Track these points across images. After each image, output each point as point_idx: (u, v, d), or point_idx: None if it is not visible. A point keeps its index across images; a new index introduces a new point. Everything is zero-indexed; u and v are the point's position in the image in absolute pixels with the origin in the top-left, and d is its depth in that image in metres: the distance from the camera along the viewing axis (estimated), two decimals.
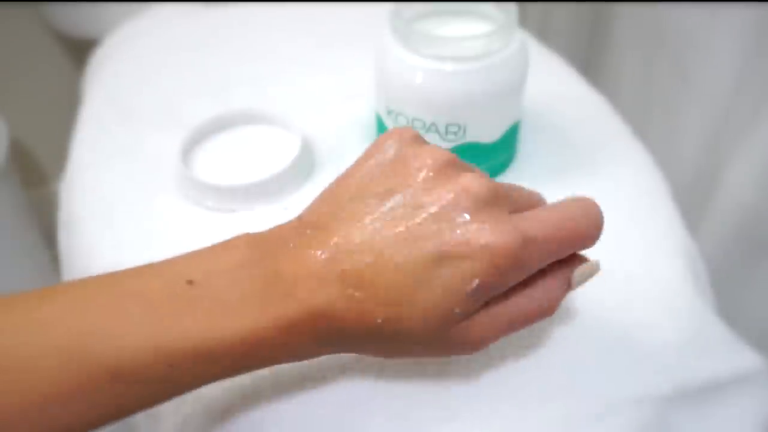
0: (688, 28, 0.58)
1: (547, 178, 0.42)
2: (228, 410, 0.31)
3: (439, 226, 0.26)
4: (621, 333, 0.33)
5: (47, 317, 0.24)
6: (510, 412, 0.31)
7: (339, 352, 0.28)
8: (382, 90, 0.40)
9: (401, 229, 0.26)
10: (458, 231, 0.26)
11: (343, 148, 0.45)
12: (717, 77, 0.56)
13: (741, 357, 0.33)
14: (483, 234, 0.25)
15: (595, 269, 0.30)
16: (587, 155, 0.44)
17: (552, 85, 0.50)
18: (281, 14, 0.60)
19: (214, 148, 0.45)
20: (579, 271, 0.29)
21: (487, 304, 0.27)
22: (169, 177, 0.44)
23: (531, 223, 0.27)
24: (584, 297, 0.34)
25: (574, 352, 0.33)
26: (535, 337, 0.33)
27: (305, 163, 0.43)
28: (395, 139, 0.29)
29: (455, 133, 0.39)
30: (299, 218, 0.28)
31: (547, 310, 0.29)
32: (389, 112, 0.40)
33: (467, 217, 0.26)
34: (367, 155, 0.29)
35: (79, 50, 0.76)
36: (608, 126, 0.47)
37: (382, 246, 0.26)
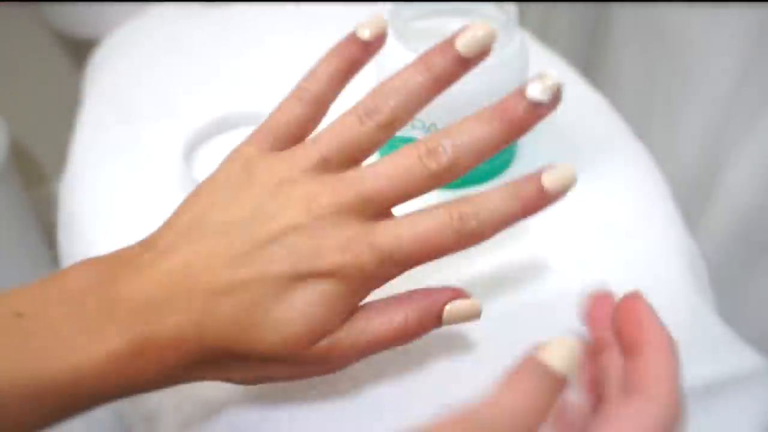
0: (688, 29, 0.58)
1: None
2: (228, 410, 0.31)
3: (289, 242, 0.25)
4: None
5: None
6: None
7: (192, 379, 0.26)
8: None
9: (247, 247, 0.25)
10: (310, 247, 0.25)
11: None
12: (717, 77, 0.56)
13: (741, 357, 0.33)
14: (334, 252, 0.24)
15: (474, 313, 0.28)
16: (587, 155, 0.44)
17: None
18: (281, 14, 0.60)
19: (214, 148, 0.45)
20: (453, 307, 0.27)
21: (345, 321, 0.26)
22: (170, 177, 0.44)
23: (388, 238, 0.25)
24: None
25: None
26: (533, 336, 0.33)
27: None
28: (239, 156, 0.28)
29: None
30: (140, 242, 0.27)
31: (408, 336, 0.27)
32: None
33: (319, 230, 0.25)
34: (211, 177, 0.28)
35: (79, 50, 0.76)
36: (608, 126, 0.47)
37: (229, 265, 0.24)
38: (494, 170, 0.42)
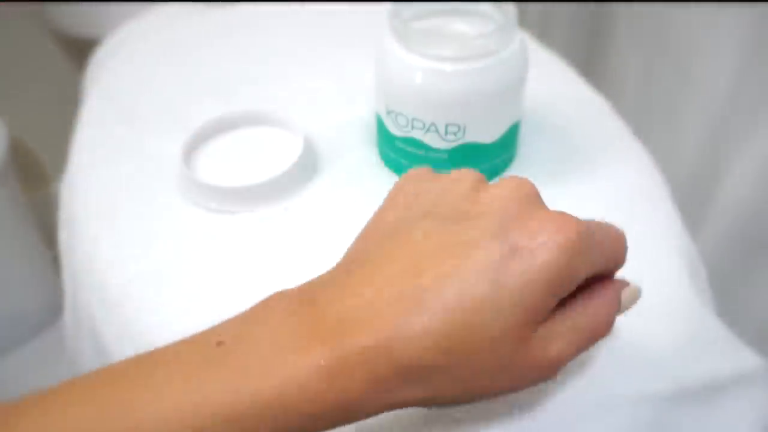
0: (689, 28, 0.58)
1: (546, 179, 0.42)
2: None
3: (496, 227, 0.24)
4: (620, 333, 0.33)
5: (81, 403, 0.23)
6: (509, 412, 0.31)
7: (402, 400, 0.24)
8: (381, 90, 0.40)
9: (449, 236, 0.24)
10: (518, 226, 0.24)
11: (344, 148, 0.45)
12: (717, 77, 0.56)
13: (741, 357, 0.33)
14: (547, 224, 0.24)
15: (637, 295, 0.28)
16: (587, 155, 0.44)
17: (552, 85, 0.50)
18: (282, 14, 0.60)
19: (215, 149, 0.45)
20: (624, 294, 0.27)
21: (553, 314, 0.25)
22: (170, 177, 0.44)
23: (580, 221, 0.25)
24: None
25: None
26: None
27: (307, 164, 0.43)
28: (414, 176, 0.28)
29: (455, 134, 0.39)
30: (338, 264, 0.26)
31: (609, 325, 0.26)
32: (389, 113, 0.40)
33: (522, 211, 0.25)
34: (393, 193, 0.28)
35: (79, 50, 0.76)
36: (608, 126, 0.47)
37: (434, 262, 0.24)
38: (494, 170, 0.42)
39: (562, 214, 0.25)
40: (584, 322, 0.25)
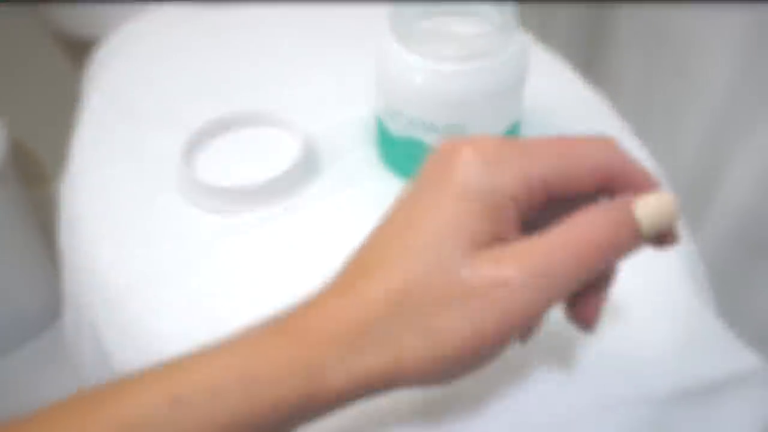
0: (689, 29, 0.58)
1: None
2: None
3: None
4: (619, 333, 0.33)
5: None
6: (508, 412, 0.31)
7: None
8: (382, 90, 0.40)
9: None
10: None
11: (344, 148, 0.45)
12: (717, 77, 0.56)
13: (740, 357, 0.33)
14: None
15: (671, 206, 0.24)
16: None
17: (552, 85, 0.50)
18: (282, 15, 0.60)
19: (215, 149, 0.45)
20: (646, 208, 0.24)
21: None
22: (170, 177, 0.44)
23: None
24: None
25: (572, 353, 0.33)
26: (532, 336, 0.33)
27: (307, 164, 0.43)
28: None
29: (455, 133, 0.39)
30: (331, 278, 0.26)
31: (615, 249, 0.24)
32: (389, 112, 0.40)
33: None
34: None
35: (79, 50, 0.76)
36: (608, 126, 0.47)
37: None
38: None
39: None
40: (554, 241, 0.24)
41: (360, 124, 0.47)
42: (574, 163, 0.25)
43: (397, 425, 0.30)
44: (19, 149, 0.94)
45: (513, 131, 0.41)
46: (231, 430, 0.23)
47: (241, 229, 0.40)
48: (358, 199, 0.42)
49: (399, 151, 0.41)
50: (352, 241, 0.27)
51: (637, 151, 0.45)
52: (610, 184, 0.25)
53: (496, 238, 0.24)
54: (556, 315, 0.33)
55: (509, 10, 0.38)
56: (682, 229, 0.40)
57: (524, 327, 0.24)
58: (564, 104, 0.48)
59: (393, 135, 0.41)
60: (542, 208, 0.26)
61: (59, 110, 0.81)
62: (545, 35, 0.57)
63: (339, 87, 0.50)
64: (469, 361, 0.24)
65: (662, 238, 0.25)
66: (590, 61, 0.75)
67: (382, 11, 0.39)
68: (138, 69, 0.56)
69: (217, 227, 0.41)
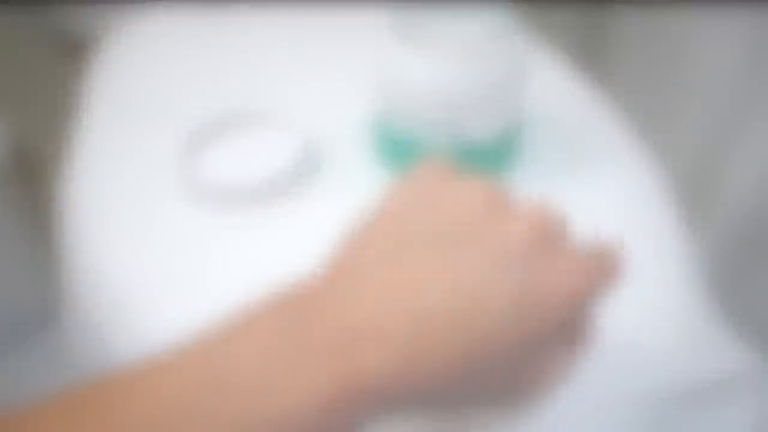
0: (689, 29, 0.58)
1: (546, 178, 0.42)
2: None
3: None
4: (619, 333, 0.33)
5: None
6: (507, 412, 0.30)
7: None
8: (382, 90, 0.40)
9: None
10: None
11: (344, 148, 0.45)
12: (717, 78, 0.56)
13: (740, 357, 0.33)
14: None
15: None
16: (587, 155, 0.44)
17: (552, 85, 0.50)
18: (282, 15, 0.60)
19: (215, 148, 0.45)
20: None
21: None
22: (170, 177, 0.44)
23: None
24: None
25: None
26: None
27: (307, 164, 0.43)
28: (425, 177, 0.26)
29: (455, 133, 0.39)
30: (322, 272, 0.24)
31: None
32: (389, 112, 0.40)
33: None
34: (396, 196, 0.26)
35: (79, 50, 0.76)
36: (608, 126, 0.47)
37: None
38: (494, 171, 0.42)
39: (584, 261, 0.23)
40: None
41: (360, 124, 0.47)
42: None
43: (396, 422, 0.30)
44: (19, 149, 0.94)
45: (513, 131, 0.41)
46: None
47: (241, 228, 0.41)
48: (358, 199, 0.42)
49: (399, 151, 0.41)
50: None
51: (637, 151, 0.45)
52: None
53: None
54: None
55: (509, 11, 0.38)
56: (682, 229, 0.40)
57: None
58: (564, 104, 0.48)
59: (393, 135, 0.41)
60: None
61: (59, 111, 0.81)
62: (545, 35, 0.57)
63: (339, 87, 0.50)
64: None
65: None
66: (590, 61, 0.75)
67: (383, 12, 0.39)
68: (138, 69, 0.56)
69: (216, 227, 0.41)
